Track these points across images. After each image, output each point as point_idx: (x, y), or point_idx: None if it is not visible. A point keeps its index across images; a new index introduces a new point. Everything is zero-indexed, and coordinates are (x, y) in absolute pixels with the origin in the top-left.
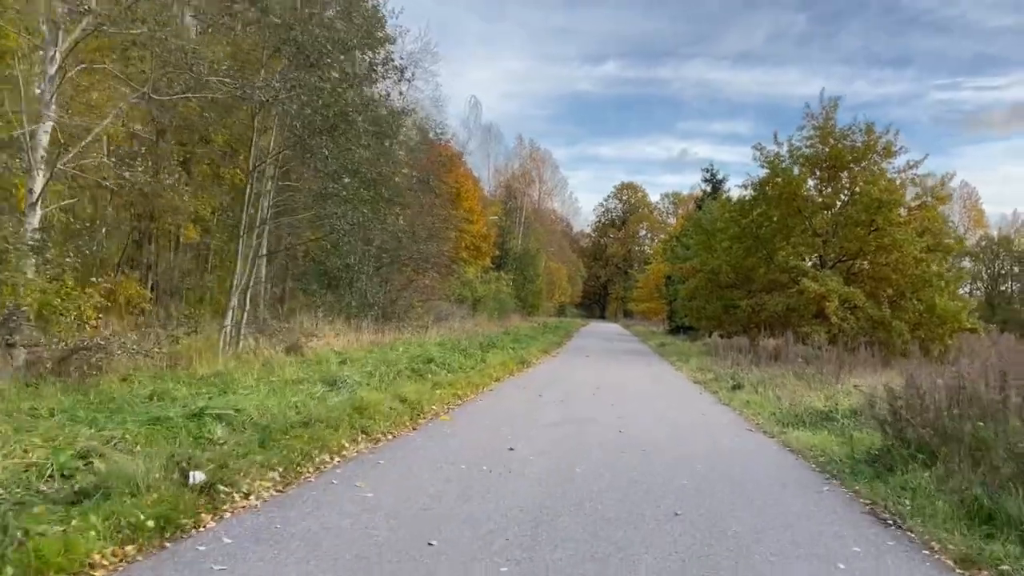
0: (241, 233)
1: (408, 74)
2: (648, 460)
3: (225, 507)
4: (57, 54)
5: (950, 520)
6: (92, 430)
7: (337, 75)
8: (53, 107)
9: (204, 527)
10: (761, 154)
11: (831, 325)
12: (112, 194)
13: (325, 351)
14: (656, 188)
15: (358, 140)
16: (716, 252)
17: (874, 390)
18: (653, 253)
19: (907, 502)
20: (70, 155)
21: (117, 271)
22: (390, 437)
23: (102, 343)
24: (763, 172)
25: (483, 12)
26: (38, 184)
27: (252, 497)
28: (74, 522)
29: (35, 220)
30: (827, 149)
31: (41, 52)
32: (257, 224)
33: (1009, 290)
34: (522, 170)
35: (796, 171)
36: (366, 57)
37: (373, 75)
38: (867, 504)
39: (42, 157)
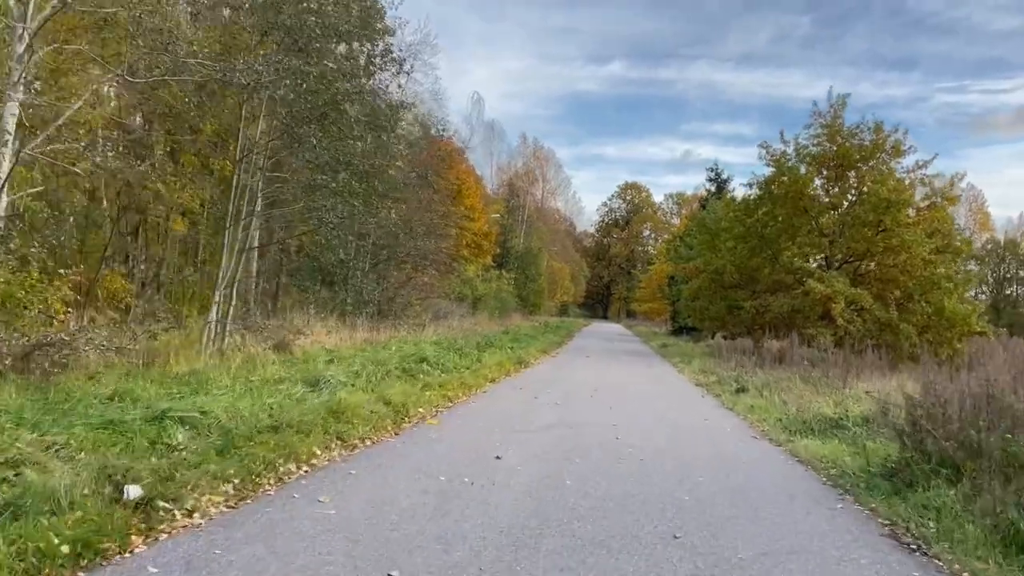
0: (227, 225)
1: (407, 66)
2: (646, 470)
3: (162, 527)
4: (26, 32)
5: (982, 547)
6: (34, 434)
7: (329, 63)
8: (21, 88)
9: (131, 552)
10: (767, 152)
11: (837, 327)
12: (87, 182)
13: (315, 349)
14: (660, 189)
15: (350, 131)
16: (720, 252)
17: (887, 396)
18: (656, 253)
19: (931, 524)
20: (39, 139)
21: (101, 264)
22: (368, 443)
23: (66, 338)
24: (768, 171)
25: (483, 11)
26: (3, 169)
27: (196, 515)
28: None
29: (0, 207)
30: (834, 148)
31: (8, 30)
32: (243, 216)
33: (1015, 294)
34: (525, 168)
35: (803, 170)
36: (364, 49)
37: (371, 67)
38: (886, 524)
39: (7, 141)
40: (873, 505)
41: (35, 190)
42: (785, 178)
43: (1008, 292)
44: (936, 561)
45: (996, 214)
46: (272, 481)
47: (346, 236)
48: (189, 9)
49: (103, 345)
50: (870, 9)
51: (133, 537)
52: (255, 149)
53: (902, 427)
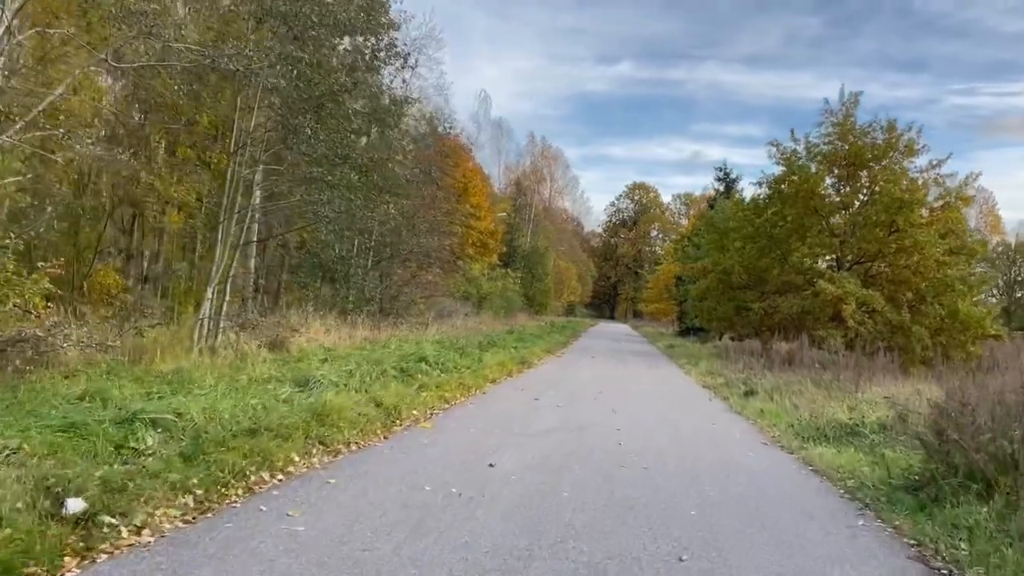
0: (222, 219)
1: (411, 60)
2: (650, 480)
3: (103, 546)
4: (5, 14)
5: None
6: None
7: (328, 52)
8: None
9: None
10: (777, 151)
11: (848, 329)
12: (75, 172)
13: (313, 347)
14: (668, 189)
15: (349, 123)
16: (728, 252)
17: (905, 401)
18: (664, 254)
19: (963, 545)
20: (17, 126)
21: (95, 258)
22: (354, 448)
23: (41, 334)
24: (778, 170)
25: (491, 10)
26: None
27: (146, 531)
28: None
29: None
30: (846, 146)
31: None
32: (237, 210)
33: None
34: (533, 167)
35: (813, 168)
36: (369, 43)
37: (375, 62)
38: (913, 545)
39: None
40: (897, 522)
41: (13, 179)
42: (795, 177)
43: (1019, 295)
44: None
45: (1007, 217)
46: (241, 491)
47: (342, 231)
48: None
49: (83, 341)
50: (879, 10)
51: (67, 559)
52: (250, 141)
53: (926, 436)
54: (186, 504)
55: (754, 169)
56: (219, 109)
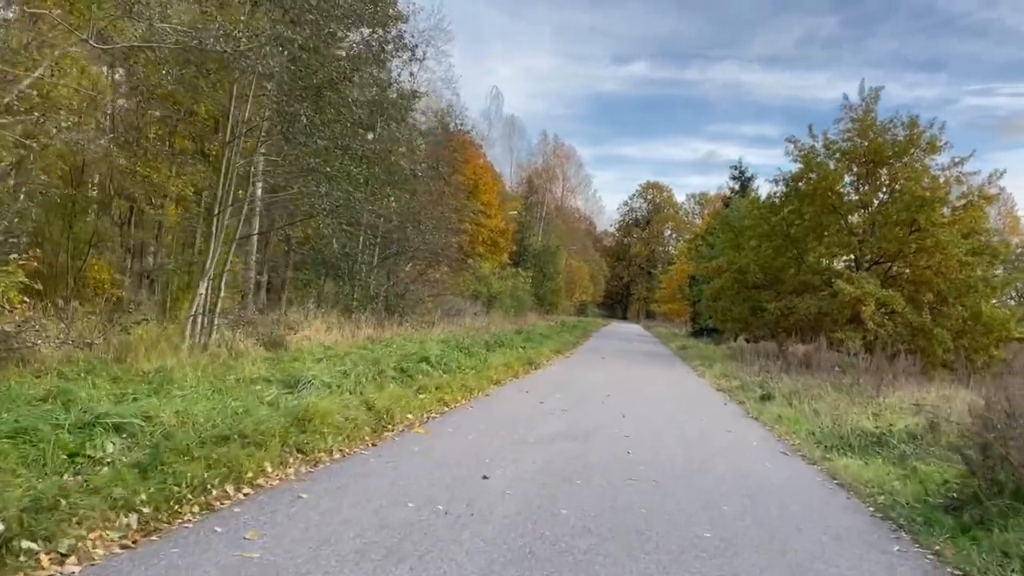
0: (216, 212)
1: (419, 53)
2: (660, 495)
3: None
4: None
5: None
6: None
7: (326, 38)
8: None
9: None
10: (795, 147)
11: (867, 331)
12: (63, 162)
13: (312, 346)
14: (682, 189)
15: (350, 113)
16: (744, 251)
17: (935, 408)
18: (677, 253)
19: None
20: None
21: (88, 252)
22: (337, 456)
23: (10, 331)
24: (795, 168)
25: (505, 8)
26: None
27: (72, 559)
28: None
29: None
30: (866, 143)
31: None
32: (231, 202)
33: None
34: (545, 166)
35: (832, 166)
36: (376, 34)
37: (383, 55)
38: None
39: None
40: (937, 547)
41: None
42: (813, 174)
43: None
44: None
45: None
46: (197, 509)
47: (339, 225)
48: None
49: (59, 339)
50: (896, 10)
51: None
52: (245, 130)
53: (967, 450)
54: (128, 525)
55: (769, 169)
56: (217, 98)
